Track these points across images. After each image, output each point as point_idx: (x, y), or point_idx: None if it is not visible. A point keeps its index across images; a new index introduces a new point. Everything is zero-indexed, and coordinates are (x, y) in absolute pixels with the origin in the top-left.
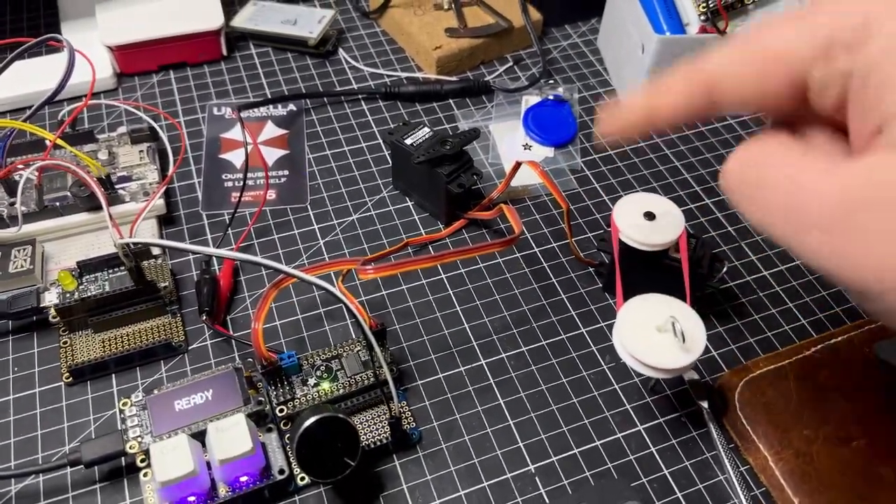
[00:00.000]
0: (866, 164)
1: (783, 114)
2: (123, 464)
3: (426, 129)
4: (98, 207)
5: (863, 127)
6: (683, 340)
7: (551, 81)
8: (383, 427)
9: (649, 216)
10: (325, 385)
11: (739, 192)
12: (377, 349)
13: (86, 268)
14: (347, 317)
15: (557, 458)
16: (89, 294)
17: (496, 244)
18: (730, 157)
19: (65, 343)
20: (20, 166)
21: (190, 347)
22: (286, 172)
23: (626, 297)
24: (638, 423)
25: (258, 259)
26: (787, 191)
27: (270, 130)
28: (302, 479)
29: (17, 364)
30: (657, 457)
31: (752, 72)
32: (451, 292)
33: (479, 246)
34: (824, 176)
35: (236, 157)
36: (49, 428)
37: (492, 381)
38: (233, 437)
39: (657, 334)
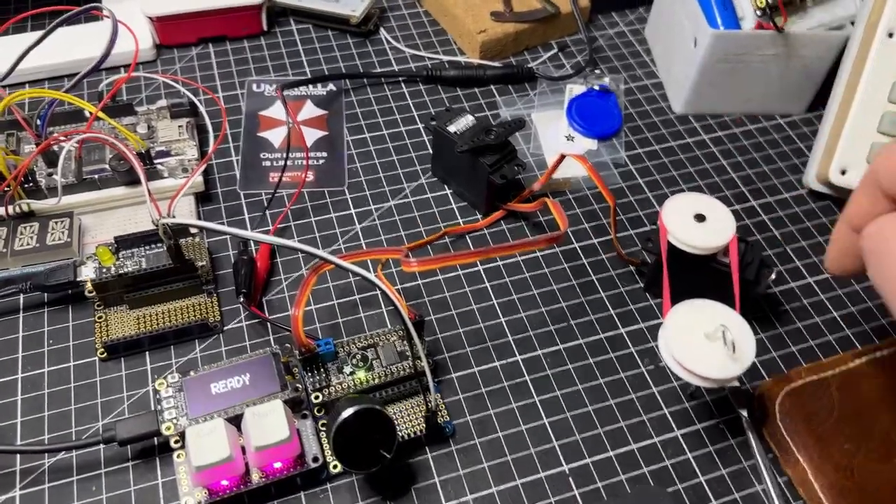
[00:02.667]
0: None
1: None
2: (156, 443)
3: (469, 117)
4: (136, 182)
5: None
6: (733, 350)
7: (597, 71)
8: (417, 419)
9: (699, 218)
10: (361, 374)
11: (868, 256)
12: (417, 341)
13: (123, 243)
14: (383, 304)
15: (592, 459)
16: (126, 270)
17: (540, 241)
18: (872, 222)
19: (100, 318)
20: (61, 138)
21: (225, 328)
22: (324, 154)
23: (672, 300)
24: (675, 429)
25: (303, 246)
26: None
27: (310, 110)
28: (335, 467)
29: (52, 336)
30: (693, 463)
31: None
32: (487, 285)
33: (523, 242)
34: None
35: (275, 136)
36: (82, 403)
37: (527, 377)
38: (270, 423)
39: (706, 342)
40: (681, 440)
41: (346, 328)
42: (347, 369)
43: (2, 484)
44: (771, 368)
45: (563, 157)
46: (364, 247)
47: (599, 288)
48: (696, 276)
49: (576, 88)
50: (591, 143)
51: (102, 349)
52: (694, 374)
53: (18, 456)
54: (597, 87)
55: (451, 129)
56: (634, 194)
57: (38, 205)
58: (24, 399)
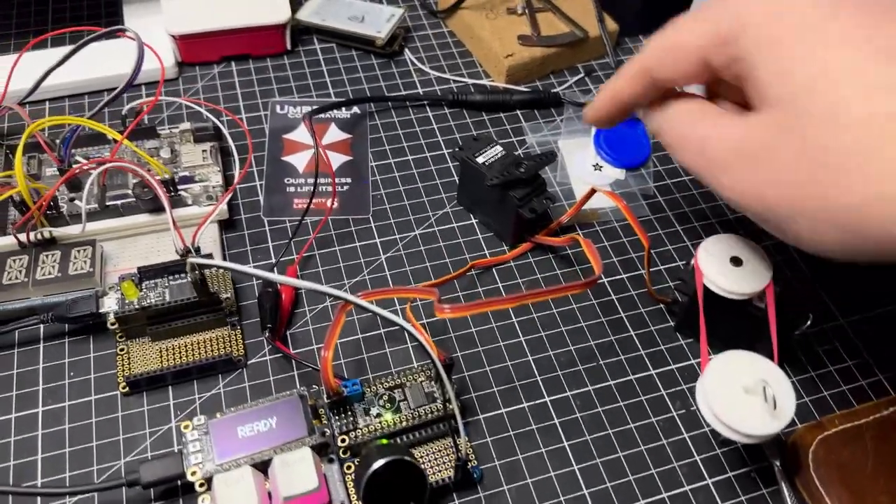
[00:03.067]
0: (748, 121)
1: (706, 81)
2: (180, 484)
3: (498, 148)
4: (160, 209)
5: (749, 92)
6: (774, 407)
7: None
8: (445, 464)
9: (735, 261)
10: (388, 416)
11: (669, 143)
12: (448, 385)
13: (146, 274)
14: (409, 340)
15: None
16: (149, 303)
17: (575, 287)
18: (661, 116)
19: (122, 350)
20: (86, 166)
21: (249, 362)
22: (349, 180)
23: (708, 346)
24: (707, 477)
25: (335, 292)
26: (699, 142)
27: (334, 134)
28: None
29: (73, 368)
30: None
31: (670, 59)
32: (514, 320)
33: (558, 288)
34: (724, 130)
35: (299, 160)
36: (104, 439)
37: (556, 420)
38: (299, 472)
39: (745, 396)
40: (712, 489)
41: (371, 364)
42: (374, 411)
43: None
44: (803, 413)
45: (593, 191)
46: (389, 277)
47: (629, 326)
48: (731, 319)
49: None
50: (618, 173)
51: (125, 384)
52: (734, 430)
53: (39, 498)
54: None
55: (480, 160)
56: (663, 227)
57: (60, 232)
58: (44, 434)
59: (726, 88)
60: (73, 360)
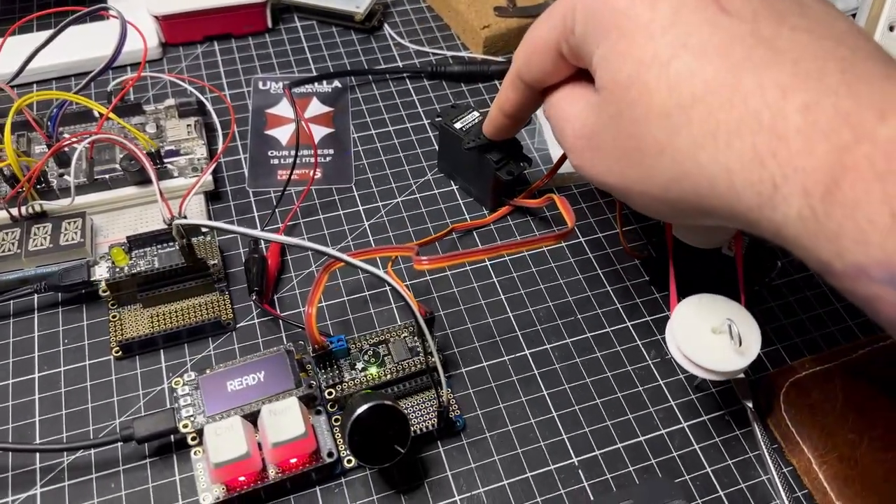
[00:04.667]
0: (588, 104)
1: (569, 74)
2: (173, 440)
3: (475, 114)
4: (147, 182)
5: (593, 76)
6: (740, 344)
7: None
8: (429, 414)
9: None
10: (373, 370)
11: (552, 127)
12: (429, 338)
13: (135, 243)
14: (393, 301)
15: (601, 451)
16: (139, 270)
17: (548, 238)
18: (546, 103)
19: (114, 317)
20: (73, 139)
21: (238, 325)
22: (331, 151)
23: (678, 294)
24: (682, 420)
25: (316, 245)
26: (561, 123)
27: (316, 107)
28: (349, 461)
29: (68, 336)
30: (700, 454)
31: (533, 60)
32: (495, 280)
33: (531, 239)
34: (577, 112)
35: (282, 134)
36: (99, 401)
37: (536, 371)
38: (286, 420)
39: (712, 336)
40: (687, 431)
41: (356, 324)
42: (360, 365)
43: (23, 482)
44: (775, 360)
45: None
46: (373, 243)
47: (606, 282)
48: (702, 269)
49: None
50: None
51: (117, 348)
52: (701, 367)
53: (38, 455)
54: None
55: (458, 125)
56: None
57: (50, 205)
58: (41, 398)
59: None
60: (67, 328)
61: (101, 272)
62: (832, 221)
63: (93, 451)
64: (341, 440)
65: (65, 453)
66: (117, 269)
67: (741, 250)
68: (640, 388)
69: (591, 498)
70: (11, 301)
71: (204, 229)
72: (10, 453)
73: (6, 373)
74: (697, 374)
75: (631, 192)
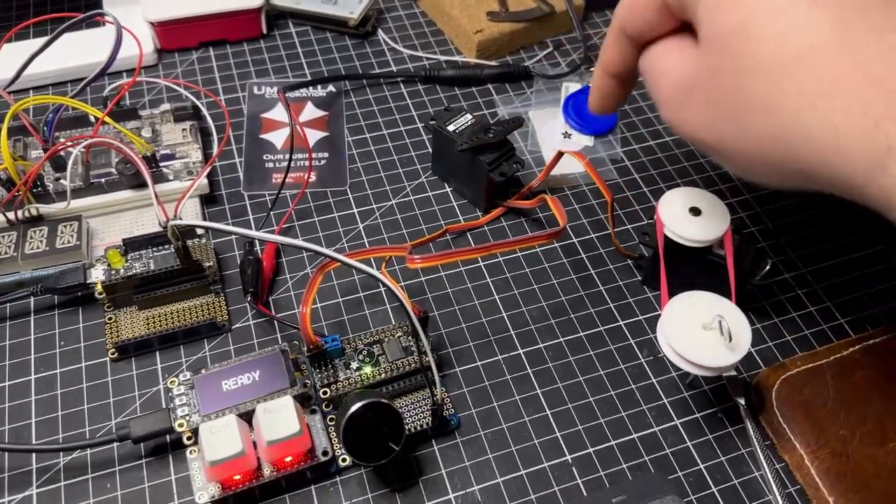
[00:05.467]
0: (687, 57)
1: (674, 26)
2: (168, 440)
3: (468, 116)
4: (142, 185)
5: (696, 28)
6: (730, 339)
7: (592, 68)
8: (423, 412)
9: (695, 211)
10: (367, 369)
11: (644, 80)
12: (422, 336)
13: (131, 245)
14: (387, 301)
15: (594, 449)
16: (135, 272)
17: (540, 237)
18: (643, 56)
19: (110, 319)
20: (69, 144)
21: (233, 327)
22: (326, 155)
23: (669, 292)
24: (675, 418)
25: (309, 245)
26: (658, 75)
27: (310, 112)
28: (344, 460)
29: (64, 338)
30: (693, 451)
31: (636, 12)
32: (489, 280)
33: (524, 238)
34: (676, 63)
35: (277, 138)
36: (95, 402)
37: (529, 370)
38: (281, 418)
39: (703, 332)
40: (680, 429)
41: (351, 325)
42: (354, 365)
43: (19, 482)
44: (767, 358)
45: (560, 154)
46: (367, 245)
47: (598, 282)
48: (693, 268)
49: (572, 86)
50: (587, 140)
51: (113, 349)
52: (691, 363)
53: (34, 455)
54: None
55: (451, 128)
56: (631, 189)
57: (46, 209)
58: (37, 400)
59: None
60: (64, 331)
61: (97, 275)
62: None
63: (89, 451)
64: (336, 438)
65: (61, 454)
66: (113, 272)
67: (731, 249)
68: (633, 386)
69: (585, 494)
70: (8, 304)
71: (199, 231)
72: (7, 454)
73: (2, 375)
74: (689, 370)
75: (726, 150)
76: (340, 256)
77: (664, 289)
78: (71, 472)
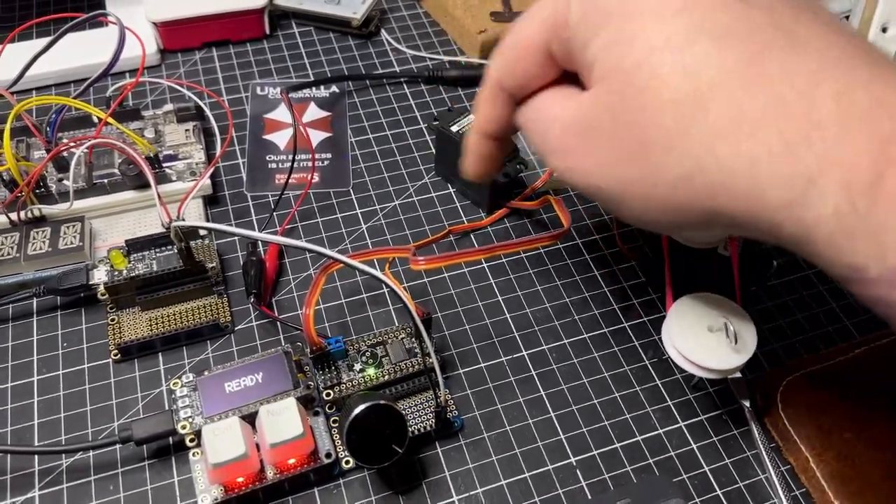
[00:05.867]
0: (580, 100)
1: (556, 76)
2: (171, 442)
3: (472, 117)
4: (145, 186)
5: (582, 74)
6: (735, 342)
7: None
8: (427, 414)
9: None
10: (371, 371)
11: (526, 132)
12: (426, 338)
13: (134, 246)
14: (391, 302)
15: (599, 451)
16: (137, 273)
17: (544, 238)
18: (524, 107)
19: (113, 320)
20: (72, 144)
21: (236, 328)
22: (329, 155)
23: (674, 294)
24: (679, 420)
25: (312, 246)
26: (545, 124)
27: (313, 112)
28: (347, 462)
29: (66, 339)
30: (698, 454)
31: (517, 64)
32: (492, 281)
33: (527, 239)
34: (564, 111)
35: (280, 139)
36: (98, 404)
37: (533, 372)
38: (284, 420)
39: (708, 334)
40: (685, 431)
41: (354, 326)
42: (357, 367)
43: (21, 484)
44: (772, 359)
45: None
46: (370, 246)
47: (602, 283)
48: (698, 269)
49: None
50: None
51: (116, 351)
52: (697, 365)
53: (37, 457)
54: None
55: (454, 128)
56: None
57: (49, 210)
58: (40, 401)
59: None
60: (66, 332)
61: (99, 276)
62: (875, 218)
63: (91, 453)
64: (339, 441)
65: (63, 455)
66: (116, 273)
67: (737, 250)
68: (638, 388)
69: (589, 497)
70: (10, 305)
71: (202, 232)
72: (9, 455)
73: (5, 376)
74: (694, 372)
75: (628, 196)
76: (343, 257)
77: (669, 290)
78: (73, 474)
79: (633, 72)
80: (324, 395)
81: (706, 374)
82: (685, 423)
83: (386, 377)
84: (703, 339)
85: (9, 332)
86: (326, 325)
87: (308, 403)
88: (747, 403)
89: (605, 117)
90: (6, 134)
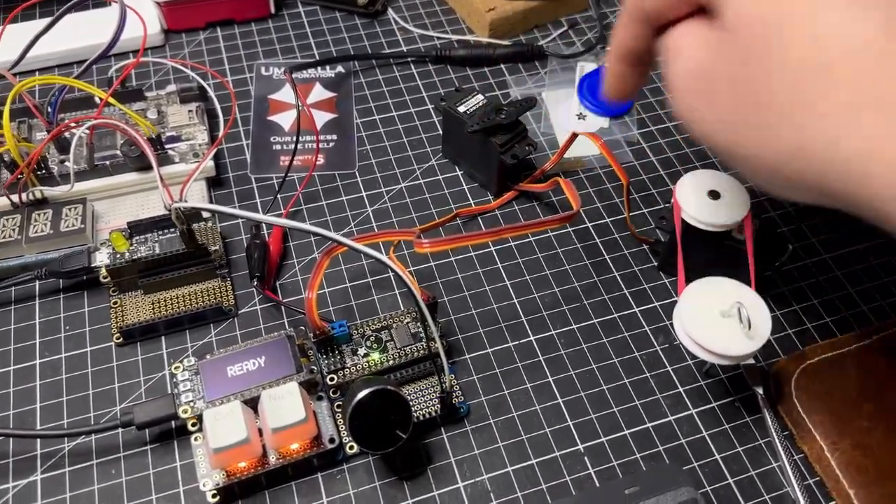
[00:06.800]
0: (707, 43)
1: (688, 9)
2: (174, 426)
3: (479, 97)
4: (148, 167)
5: (716, 13)
6: (749, 327)
7: (608, 48)
8: (432, 400)
9: (713, 195)
10: (375, 356)
11: (661, 60)
12: (431, 323)
13: (136, 228)
14: (396, 287)
15: (607, 438)
16: (140, 255)
17: (552, 220)
18: (663, 37)
19: (115, 303)
20: (73, 124)
21: (240, 312)
22: (334, 137)
23: (686, 278)
24: (690, 407)
25: (316, 229)
26: (667, 56)
27: (319, 93)
28: (351, 448)
29: (69, 323)
30: (709, 441)
31: None
32: (500, 265)
33: (535, 222)
34: (693, 50)
35: (284, 120)
36: (100, 388)
37: (541, 357)
38: (286, 405)
39: (721, 319)
40: (696, 418)
41: (359, 310)
42: (362, 351)
43: (23, 468)
44: (787, 346)
45: (575, 135)
46: (376, 229)
47: (613, 267)
48: (711, 253)
49: (587, 66)
50: (602, 122)
51: (118, 334)
52: (709, 351)
53: (39, 441)
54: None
55: (461, 109)
56: (647, 172)
57: (51, 192)
58: (42, 384)
59: None
60: (69, 315)
61: (101, 258)
62: None
63: (94, 436)
64: (343, 426)
65: (66, 439)
66: (118, 255)
67: (751, 234)
68: (648, 375)
69: (598, 484)
70: (13, 287)
71: (205, 214)
72: (12, 439)
73: (7, 359)
74: (706, 358)
75: (740, 156)
76: (347, 241)
77: (681, 275)
78: (76, 457)
79: (764, 27)
80: (327, 379)
81: (718, 361)
82: (696, 410)
83: (391, 362)
84: (715, 324)
85: (11, 314)
86: (331, 308)
87: (311, 388)
88: (760, 390)
89: (726, 65)
90: (6, 114)
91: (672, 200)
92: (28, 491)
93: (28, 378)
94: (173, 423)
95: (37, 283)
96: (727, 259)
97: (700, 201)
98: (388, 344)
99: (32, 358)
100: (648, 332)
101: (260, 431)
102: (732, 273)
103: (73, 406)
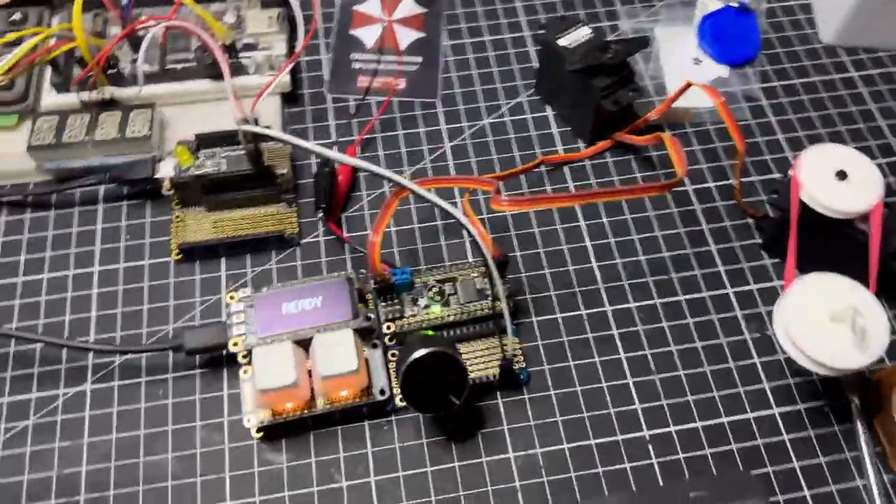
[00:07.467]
0: None
1: None
2: (224, 354)
3: (585, 30)
4: (220, 76)
5: None
6: (862, 339)
7: None
8: (491, 362)
9: (841, 175)
10: (436, 308)
11: None
12: (498, 282)
13: (204, 141)
14: (465, 235)
15: (676, 428)
16: (205, 171)
17: (652, 188)
18: None
19: (177, 217)
20: (150, 22)
21: (302, 241)
22: (419, 59)
23: (795, 266)
24: (773, 406)
25: (389, 174)
26: None
27: (408, 7)
28: (402, 400)
29: (130, 232)
30: (789, 447)
31: None
32: (582, 223)
33: (633, 188)
34: None
35: (367, 35)
36: (155, 304)
37: (615, 331)
38: (339, 353)
39: (830, 324)
40: (778, 419)
41: (424, 255)
42: (423, 302)
43: (75, 376)
44: (894, 353)
45: (688, 85)
46: (452, 168)
47: (710, 240)
48: (827, 242)
49: (711, 4)
50: (721, 70)
51: (178, 251)
52: (811, 359)
53: (91, 353)
54: (736, 4)
55: (563, 42)
56: (764, 134)
57: (119, 93)
58: (99, 293)
59: None
60: (130, 224)
61: (166, 170)
62: None
63: (144, 356)
64: (395, 379)
65: (117, 355)
66: (182, 169)
67: (879, 226)
68: (732, 365)
69: (659, 478)
70: (78, 189)
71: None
72: (65, 349)
73: (67, 263)
74: (805, 365)
75: None
76: (418, 188)
77: (791, 261)
78: (125, 371)
79: None
80: (384, 327)
81: (821, 371)
82: (780, 410)
83: (452, 317)
84: (823, 328)
85: (74, 217)
86: (395, 250)
87: (366, 335)
88: (856, 399)
89: None
90: (76, 8)
91: (790, 174)
92: (77, 399)
93: (85, 285)
94: (224, 351)
95: (101, 187)
96: (844, 251)
97: (824, 181)
98: (450, 298)
99: (91, 265)
100: (740, 317)
101: (309, 373)
102: (848, 268)
103: (127, 319)
